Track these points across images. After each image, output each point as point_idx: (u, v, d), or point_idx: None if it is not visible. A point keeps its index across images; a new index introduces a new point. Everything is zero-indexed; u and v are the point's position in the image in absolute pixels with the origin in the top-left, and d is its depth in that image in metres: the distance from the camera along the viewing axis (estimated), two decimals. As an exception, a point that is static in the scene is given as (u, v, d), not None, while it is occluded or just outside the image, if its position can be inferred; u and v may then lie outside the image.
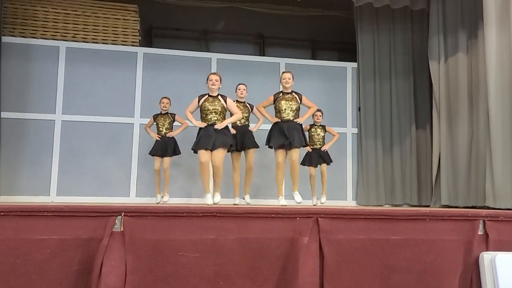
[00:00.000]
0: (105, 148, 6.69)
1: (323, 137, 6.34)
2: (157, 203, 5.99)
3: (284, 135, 4.98)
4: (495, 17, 5.27)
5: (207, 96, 4.90)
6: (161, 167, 6.10)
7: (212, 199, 4.83)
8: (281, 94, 5.17)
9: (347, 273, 3.16)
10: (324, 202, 6.44)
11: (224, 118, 4.91)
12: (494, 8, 5.27)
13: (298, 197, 5.17)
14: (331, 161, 6.37)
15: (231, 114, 5.01)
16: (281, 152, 5.08)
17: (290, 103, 5.08)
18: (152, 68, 7.00)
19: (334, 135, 6.36)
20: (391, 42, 7.62)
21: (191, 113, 4.91)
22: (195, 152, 4.88)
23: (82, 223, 2.93)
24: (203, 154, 4.73)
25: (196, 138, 4.86)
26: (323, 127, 6.37)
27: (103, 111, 6.75)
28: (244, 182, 5.98)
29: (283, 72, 5.34)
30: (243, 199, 6.02)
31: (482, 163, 5.74)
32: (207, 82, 4.91)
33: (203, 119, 4.87)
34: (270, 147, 5.21)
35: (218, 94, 4.92)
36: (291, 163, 5.09)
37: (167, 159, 6.09)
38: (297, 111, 5.12)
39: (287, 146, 5.01)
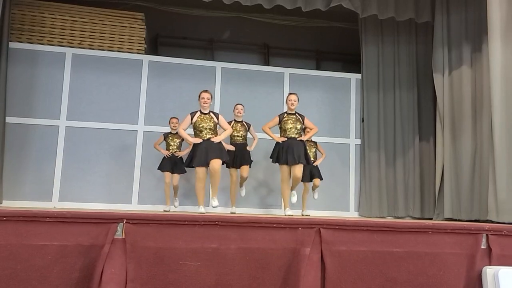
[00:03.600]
0: (108, 155, 6.71)
1: (315, 153, 6.51)
2: (164, 211, 6.08)
3: (290, 152, 5.18)
4: (500, 31, 5.27)
5: (199, 113, 5.03)
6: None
7: (209, 204, 5.17)
8: (286, 114, 5.41)
9: (349, 285, 3.13)
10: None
11: (216, 134, 5.06)
12: (498, 22, 5.29)
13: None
14: (321, 178, 6.50)
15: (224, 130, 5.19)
16: (285, 168, 5.27)
17: (295, 123, 5.33)
18: (157, 76, 7.04)
19: (322, 154, 6.58)
20: (396, 54, 7.64)
21: (185, 130, 5.08)
22: (190, 167, 5.06)
23: (83, 229, 2.93)
24: (201, 171, 4.90)
25: (191, 153, 5.01)
26: (315, 143, 6.53)
27: (107, 118, 6.78)
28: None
29: (290, 94, 5.49)
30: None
31: (486, 176, 5.71)
32: (199, 100, 5.05)
33: (197, 135, 5.01)
34: (275, 162, 5.39)
35: (209, 111, 5.07)
36: (294, 178, 5.30)
37: (176, 177, 6.27)
38: (301, 131, 5.40)
39: (291, 162, 5.19)
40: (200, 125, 4.97)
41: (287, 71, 7.50)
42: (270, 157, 5.47)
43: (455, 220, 6.24)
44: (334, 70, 8.03)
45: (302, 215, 6.35)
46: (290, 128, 5.29)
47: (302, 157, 5.23)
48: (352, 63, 8.21)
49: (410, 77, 7.60)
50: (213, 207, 5.13)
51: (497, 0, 5.29)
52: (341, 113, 7.52)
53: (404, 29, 7.65)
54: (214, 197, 5.06)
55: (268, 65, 8.35)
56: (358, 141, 7.50)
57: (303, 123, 5.43)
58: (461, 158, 6.34)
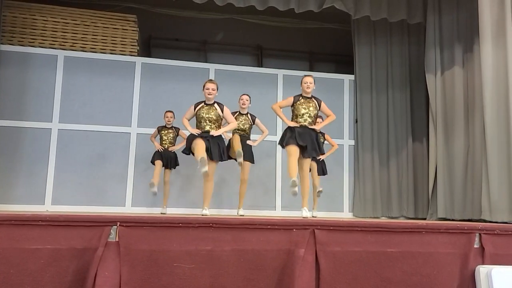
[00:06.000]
0: (101, 157, 6.67)
1: (322, 145, 6.24)
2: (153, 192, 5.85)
3: (300, 140, 4.70)
4: (491, 32, 5.32)
5: (202, 104, 4.83)
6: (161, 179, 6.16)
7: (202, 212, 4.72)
8: (301, 97, 4.89)
9: (344, 285, 3.14)
10: (315, 216, 6.08)
11: (219, 127, 4.80)
12: (489, 23, 5.33)
13: (305, 212, 4.77)
14: (326, 173, 6.31)
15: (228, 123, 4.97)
16: (294, 147, 4.71)
17: (310, 108, 4.83)
18: (150, 78, 7.02)
19: (333, 145, 6.28)
20: (388, 54, 7.68)
21: (188, 120, 4.88)
22: (187, 154, 4.78)
23: (76, 233, 2.91)
24: (198, 143, 4.57)
25: (187, 144, 4.76)
26: (323, 135, 6.25)
27: (100, 120, 6.74)
28: (239, 194, 5.83)
29: (305, 76, 4.95)
30: (237, 213, 5.86)
31: (479, 176, 5.75)
32: (203, 90, 4.84)
33: (197, 127, 4.80)
34: (283, 146, 4.87)
35: (214, 102, 4.85)
36: (301, 174, 4.81)
37: (168, 172, 6.19)
38: (315, 118, 4.90)
39: (301, 146, 4.72)
40: (201, 115, 4.74)
41: (280, 73, 7.51)
42: (279, 143, 4.95)
43: (449, 219, 6.28)
44: (327, 71, 8.06)
45: (313, 216, 5.98)
46: (303, 114, 4.77)
47: (310, 149, 4.73)
48: (345, 64, 8.24)
49: (402, 78, 7.64)
50: (202, 215, 4.59)
51: (488, 2, 5.34)
52: (335, 114, 7.47)
53: (397, 30, 7.69)
54: (206, 207, 4.69)
55: (261, 66, 8.36)
56: (352, 142, 7.53)
57: (319, 109, 4.91)
58: (454, 158, 6.39)
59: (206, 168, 4.53)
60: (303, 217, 4.41)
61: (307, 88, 4.86)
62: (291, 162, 4.71)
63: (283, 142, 4.82)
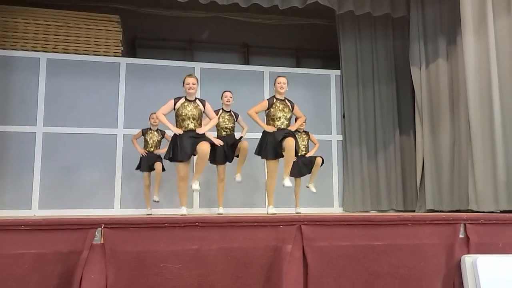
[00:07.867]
0: (88, 160, 6.62)
1: (307, 144, 6.34)
2: (148, 215, 5.93)
3: (280, 146, 4.73)
4: (473, 25, 5.37)
5: (184, 100, 4.66)
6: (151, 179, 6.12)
7: (192, 187, 4.59)
8: (275, 100, 4.90)
9: (331, 280, 3.15)
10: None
11: (200, 124, 4.67)
12: (471, 15, 5.38)
13: (288, 182, 4.78)
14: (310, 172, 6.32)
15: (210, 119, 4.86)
16: (274, 162, 4.83)
17: (285, 110, 4.86)
18: (136, 79, 6.97)
19: (315, 144, 6.38)
20: (373, 49, 7.72)
21: (165, 115, 4.66)
22: (171, 161, 4.65)
23: (61, 236, 2.88)
24: (183, 168, 4.50)
25: (171, 144, 4.58)
26: (307, 134, 6.36)
27: (85, 123, 6.68)
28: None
29: (278, 76, 4.97)
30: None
31: (465, 167, 5.80)
32: (183, 86, 4.69)
33: (178, 124, 4.62)
34: (262, 156, 4.94)
35: (195, 98, 4.71)
36: (288, 148, 4.69)
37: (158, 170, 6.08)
38: (290, 120, 4.93)
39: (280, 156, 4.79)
40: (183, 113, 4.54)
41: (267, 70, 7.51)
42: (255, 153, 4.97)
43: (437, 211, 6.33)
44: (314, 67, 8.07)
45: (296, 212, 6.14)
46: (280, 117, 4.80)
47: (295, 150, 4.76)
48: (331, 60, 8.26)
49: (388, 72, 7.69)
50: (193, 189, 4.56)
51: (469, -6, 5.39)
52: (322, 109, 7.56)
53: (381, 24, 7.73)
54: (195, 181, 4.50)
55: (248, 64, 8.35)
56: (340, 137, 7.56)
57: (292, 111, 4.95)
58: (441, 150, 6.44)
59: (185, 212, 4.53)
60: (270, 214, 4.48)
61: (280, 88, 4.89)
62: (270, 185, 4.78)
63: (262, 152, 4.84)
